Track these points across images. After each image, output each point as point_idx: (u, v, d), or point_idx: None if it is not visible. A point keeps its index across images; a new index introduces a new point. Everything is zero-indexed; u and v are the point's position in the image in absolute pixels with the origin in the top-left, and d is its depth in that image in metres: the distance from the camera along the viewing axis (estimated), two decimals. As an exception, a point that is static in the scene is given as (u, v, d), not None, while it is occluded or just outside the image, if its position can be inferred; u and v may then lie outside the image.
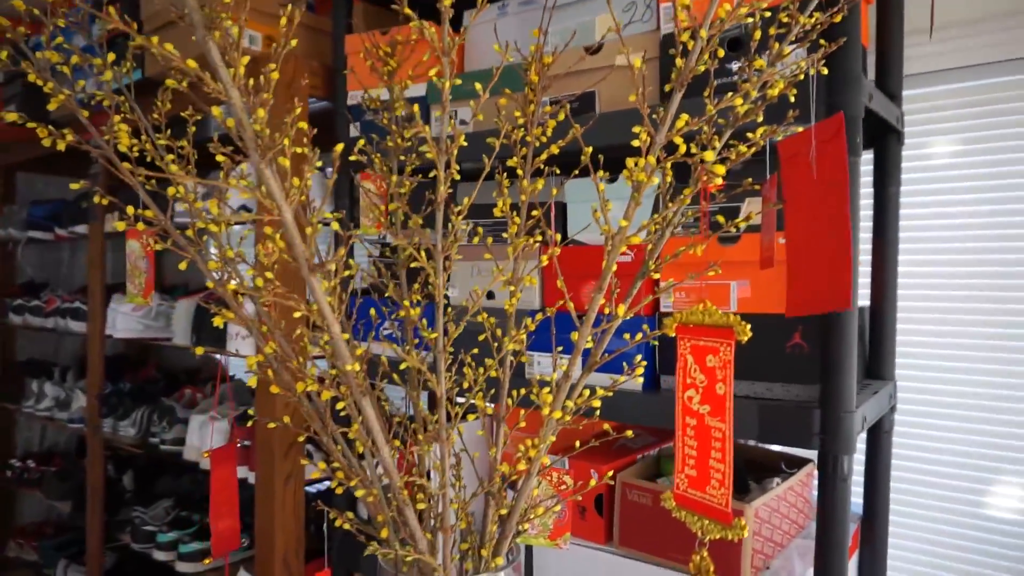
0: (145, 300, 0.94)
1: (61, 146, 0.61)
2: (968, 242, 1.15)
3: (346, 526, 0.66)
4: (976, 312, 1.15)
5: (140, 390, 1.91)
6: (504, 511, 0.61)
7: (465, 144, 0.59)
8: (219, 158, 0.52)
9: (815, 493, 1.13)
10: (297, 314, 0.50)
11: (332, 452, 0.64)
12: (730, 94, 0.52)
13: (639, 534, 0.94)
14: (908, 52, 1.09)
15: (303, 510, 1.36)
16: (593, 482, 0.97)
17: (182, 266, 0.63)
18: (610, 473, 0.62)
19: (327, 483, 1.53)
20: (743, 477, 0.97)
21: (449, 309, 0.62)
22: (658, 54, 0.98)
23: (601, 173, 0.60)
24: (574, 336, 0.59)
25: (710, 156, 0.48)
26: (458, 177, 0.59)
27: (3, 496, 2.33)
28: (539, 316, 0.63)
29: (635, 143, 0.55)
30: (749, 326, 0.43)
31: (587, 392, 0.61)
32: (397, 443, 0.58)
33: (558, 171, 0.85)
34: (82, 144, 0.61)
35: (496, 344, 0.68)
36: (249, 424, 1.43)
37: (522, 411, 0.68)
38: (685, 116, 0.53)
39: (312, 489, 1.53)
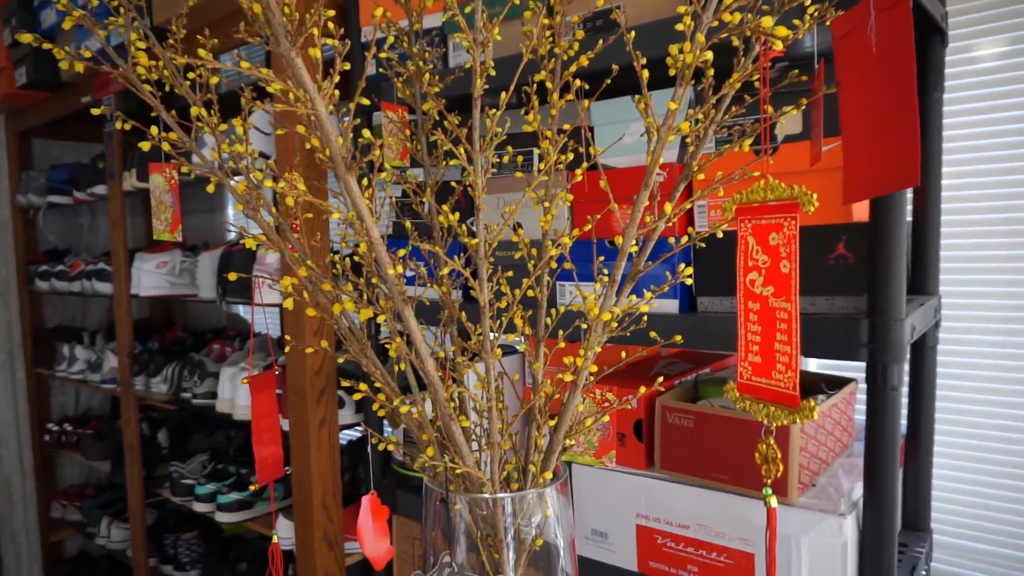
0: (172, 236, 0.93)
1: (79, 67, 0.59)
2: (1015, 148, 1.10)
3: (390, 448, 0.65)
4: (1022, 223, 1.11)
5: (169, 348, 1.92)
6: (553, 422, 0.60)
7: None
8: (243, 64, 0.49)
9: (857, 417, 1.11)
10: (336, 216, 0.47)
11: (373, 372, 0.62)
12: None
13: (680, 457, 0.93)
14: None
15: (338, 455, 1.37)
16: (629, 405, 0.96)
17: (210, 188, 0.60)
18: (660, 378, 0.61)
19: (359, 431, 1.54)
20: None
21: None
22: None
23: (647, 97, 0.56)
24: (618, 240, 0.56)
25: (768, 22, 0.44)
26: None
27: (44, 460, 2.38)
28: (571, 235, 0.60)
29: (679, 26, 0.52)
30: (816, 196, 0.40)
31: (633, 298, 0.59)
32: (441, 354, 0.57)
33: (587, 87, 0.82)
34: (101, 67, 0.59)
35: (532, 262, 0.66)
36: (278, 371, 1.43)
37: (561, 331, 0.66)
38: (735, -11, 0.49)
39: (344, 440, 1.54)
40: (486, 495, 0.59)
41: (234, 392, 1.48)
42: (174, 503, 1.76)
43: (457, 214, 0.56)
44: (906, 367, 1.04)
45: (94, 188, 1.91)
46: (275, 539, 0.67)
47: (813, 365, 1.26)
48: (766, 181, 0.42)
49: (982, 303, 1.15)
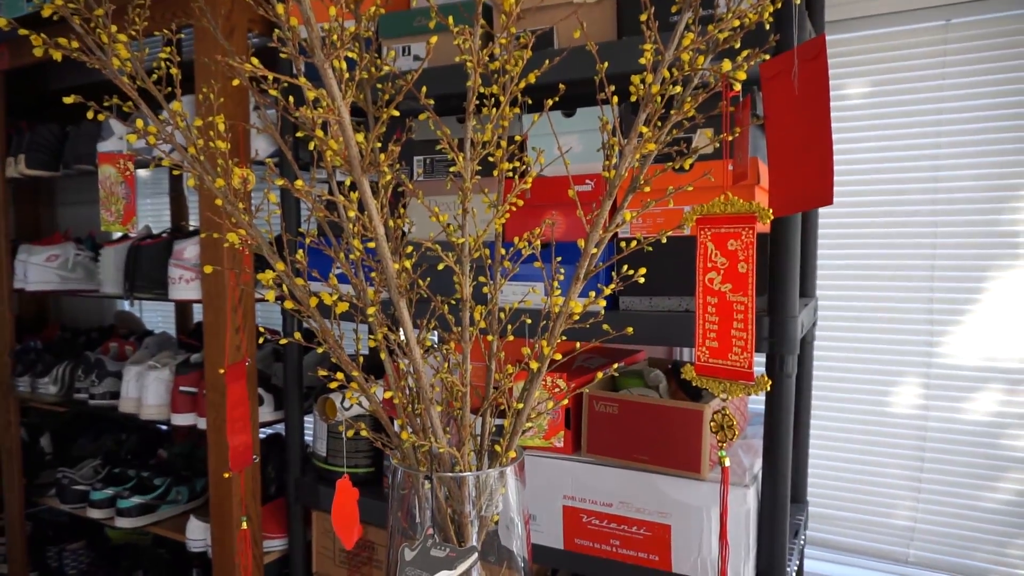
0: (124, 227, 0.90)
1: (56, 55, 0.59)
2: (876, 173, 1.29)
3: (363, 433, 0.69)
4: (882, 236, 1.30)
5: (55, 347, 1.80)
6: (520, 405, 0.66)
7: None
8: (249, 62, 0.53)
9: (751, 406, 1.26)
10: (353, 213, 0.52)
11: (345, 364, 0.66)
12: (729, 14, 0.58)
13: (605, 441, 1.02)
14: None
15: (259, 452, 1.36)
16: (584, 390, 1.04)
17: (190, 182, 0.62)
18: (616, 365, 0.70)
19: (278, 428, 1.53)
20: (697, 388, 1.06)
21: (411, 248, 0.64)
22: (616, -8, 1.03)
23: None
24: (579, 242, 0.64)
25: (727, 66, 0.53)
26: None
27: None
28: (534, 235, 0.67)
29: (642, 60, 0.60)
30: (771, 211, 0.50)
31: (592, 294, 0.67)
32: (429, 343, 0.62)
33: (530, 101, 0.89)
34: (74, 54, 0.59)
35: (489, 263, 0.72)
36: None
37: (510, 326, 0.73)
38: (691, 35, 0.58)
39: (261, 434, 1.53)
40: (466, 474, 0.64)
41: (141, 391, 1.43)
42: (59, 511, 1.66)
43: (446, 216, 0.62)
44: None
45: (-32, 174, 1.76)
46: (244, 525, 0.69)
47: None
48: (726, 197, 0.51)
49: (851, 304, 1.34)
